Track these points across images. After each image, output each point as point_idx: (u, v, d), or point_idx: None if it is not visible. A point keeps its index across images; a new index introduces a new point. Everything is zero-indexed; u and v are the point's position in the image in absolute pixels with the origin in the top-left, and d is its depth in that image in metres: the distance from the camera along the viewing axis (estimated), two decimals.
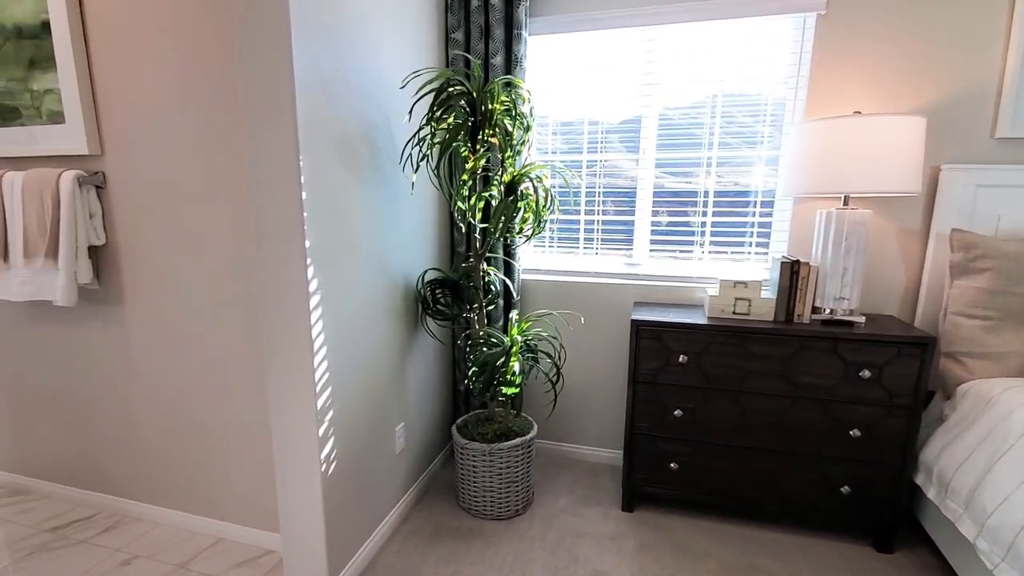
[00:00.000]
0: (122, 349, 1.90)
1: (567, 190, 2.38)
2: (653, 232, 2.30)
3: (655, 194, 2.27)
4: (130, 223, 1.79)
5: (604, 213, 2.35)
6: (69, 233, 1.71)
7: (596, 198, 2.35)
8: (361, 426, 1.73)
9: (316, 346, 1.48)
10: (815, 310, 1.90)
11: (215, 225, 1.69)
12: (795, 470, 1.86)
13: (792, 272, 1.83)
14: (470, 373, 1.91)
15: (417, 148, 1.91)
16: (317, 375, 1.49)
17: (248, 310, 1.72)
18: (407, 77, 1.85)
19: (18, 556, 1.78)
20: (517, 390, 1.89)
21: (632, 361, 1.93)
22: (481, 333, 1.99)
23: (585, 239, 2.40)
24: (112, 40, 1.67)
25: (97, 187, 1.79)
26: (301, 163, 1.38)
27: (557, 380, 1.92)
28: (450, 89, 1.67)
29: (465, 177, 1.84)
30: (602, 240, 2.38)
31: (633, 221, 2.31)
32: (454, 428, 2.08)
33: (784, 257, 1.88)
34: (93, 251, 1.84)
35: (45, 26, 1.68)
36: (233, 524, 1.89)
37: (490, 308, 2.25)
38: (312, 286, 1.44)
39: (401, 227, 1.92)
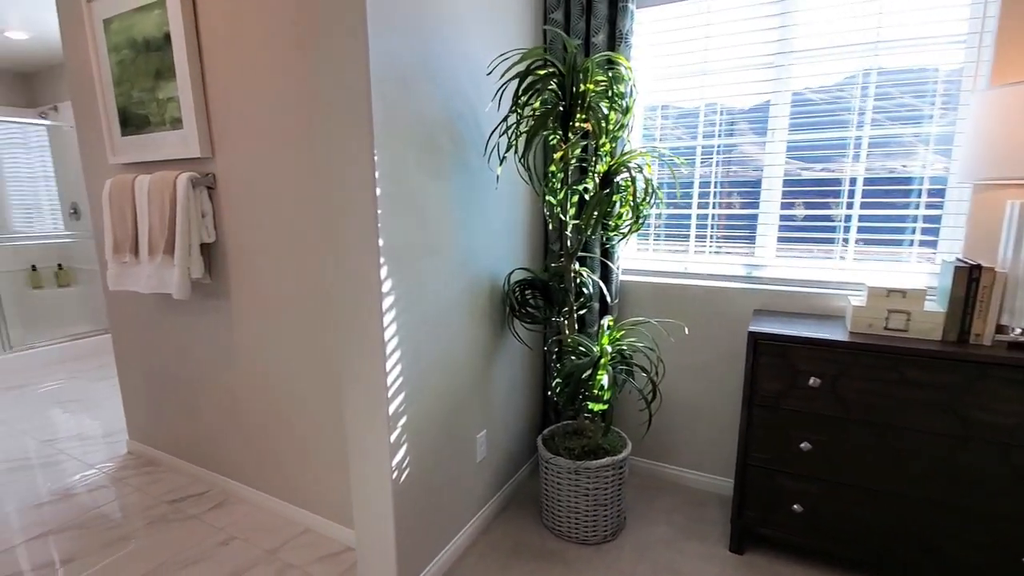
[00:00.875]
0: (227, 340, 2.01)
1: (677, 181, 2.11)
2: (782, 228, 1.95)
3: (785, 183, 1.92)
4: (235, 221, 1.87)
5: (721, 207, 2.05)
6: (183, 231, 1.83)
7: (711, 189, 2.05)
8: (438, 432, 1.65)
9: (389, 349, 1.41)
10: (1000, 329, 1.47)
11: (311, 222, 1.70)
12: (958, 528, 1.45)
13: (971, 279, 1.42)
14: (554, 384, 1.74)
15: (504, 137, 1.78)
16: (389, 379, 1.42)
17: None
18: (493, 61, 1.72)
19: (140, 525, 1.96)
20: (605, 407, 1.69)
21: (748, 380, 1.63)
22: (570, 340, 1.82)
23: (697, 236, 2.12)
24: (221, 50, 1.75)
25: (208, 188, 1.90)
26: (376, 158, 1.31)
27: (653, 398, 1.69)
28: (536, 70, 1.51)
29: (554, 168, 1.67)
30: (718, 237, 2.08)
31: (757, 215, 1.98)
32: (539, 440, 1.94)
33: (959, 260, 1.47)
34: (205, 248, 1.96)
35: (167, 38, 1.81)
36: (320, 517, 1.92)
37: (582, 312, 2.07)
38: (385, 286, 1.38)
39: (487, 224, 1.80)
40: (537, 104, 1.56)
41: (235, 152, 1.81)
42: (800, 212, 1.92)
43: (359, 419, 1.47)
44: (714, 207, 2.06)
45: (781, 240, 1.96)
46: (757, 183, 1.96)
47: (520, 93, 1.53)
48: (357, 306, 1.41)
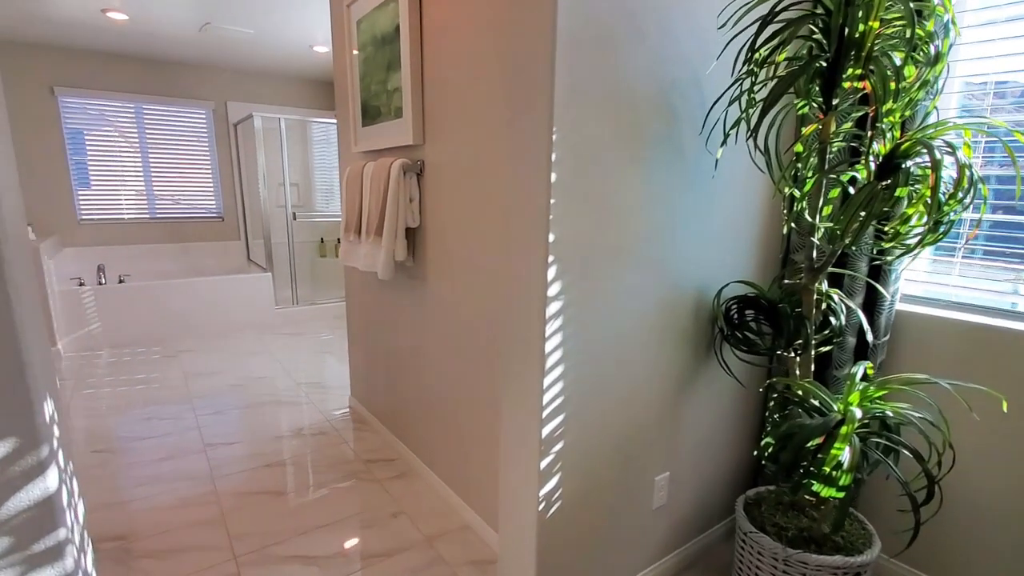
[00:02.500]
0: (421, 323, 2.07)
1: (1021, 173, 1.38)
2: None
3: None
4: (437, 208, 1.89)
5: None
6: (392, 214, 1.92)
7: None
8: (605, 466, 1.38)
9: (549, 363, 1.19)
10: None
11: (502, 215, 1.60)
12: None
13: None
14: (763, 442, 1.29)
15: (733, 108, 1.37)
16: (546, 397, 1.21)
17: None
18: (727, 7, 1.32)
19: (337, 476, 2.18)
20: (840, 494, 1.16)
21: None
22: (799, 386, 1.33)
23: None
24: (439, 40, 1.75)
25: (417, 174, 1.96)
26: (554, 137, 1.09)
27: (927, 499, 1.11)
28: (787, 7, 1.08)
29: (802, 149, 1.21)
30: None
31: None
32: (740, 503, 1.49)
33: None
34: (410, 232, 2.05)
35: (397, 30, 1.91)
36: (480, 517, 1.84)
37: (825, 349, 1.52)
38: (552, 290, 1.16)
39: (699, 222, 1.43)
40: (781, 58, 1.13)
41: (443, 140, 1.81)
42: None
43: (510, 436, 1.30)
44: None
45: None
46: None
47: (759, 43, 1.12)
48: (519, 309, 1.22)
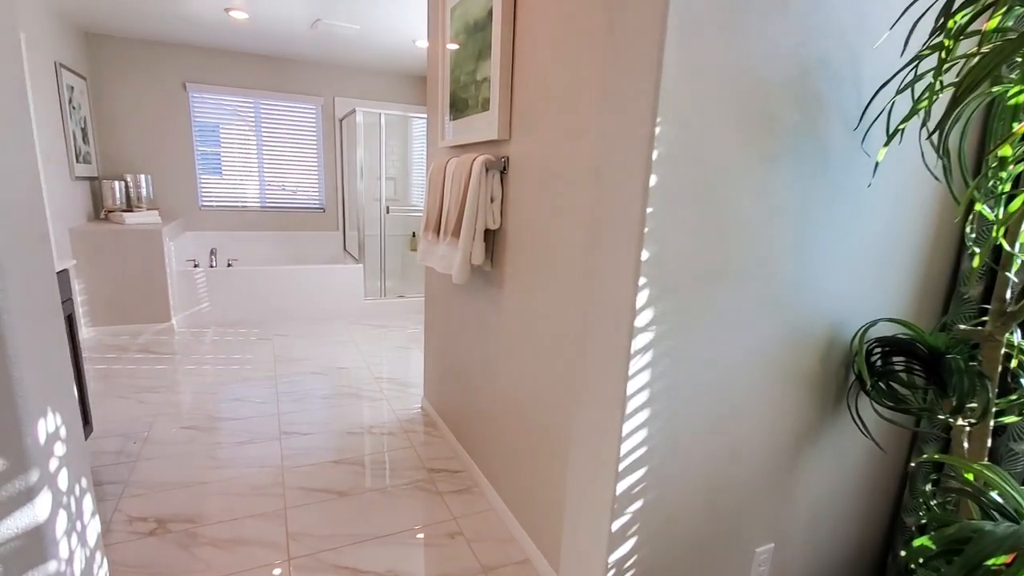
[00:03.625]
0: (494, 332, 1.92)
1: None
2: None
3: None
4: (518, 209, 1.73)
5: None
6: (470, 214, 1.78)
7: None
8: (692, 531, 1.13)
9: (631, 406, 0.97)
10: None
11: (587, 221, 1.40)
12: None
13: None
14: (917, 543, 0.97)
15: (903, 97, 1.06)
16: (626, 446, 0.99)
17: None
18: None
19: (400, 483, 2.10)
20: None
21: None
22: (972, 470, 0.99)
23: None
24: (533, 27, 1.58)
25: (501, 172, 1.81)
26: (657, 129, 0.87)
27: None
28: None
29: (1009, 152, 0.88)
30: None
31: None
32: None
33: None
34: (489, 235, 1.90)
35: (489, 15, 1.76)
36: (542, 554, 1.66)
37: (1011, 420, 1.15)
38: (642, 318, 0.94)
39: (841, 241, 1.13)
40: (992, 25, 0.82)
41: (530, 135, 1.63)
42: None
43: (578, 487, 1.09)
44: None
45: None
46: None
47: (954, 8, 0.82)
48: (600, 338, 1.01)
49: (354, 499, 1.98)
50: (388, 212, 4.81)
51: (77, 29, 3.89)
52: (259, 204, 4.88)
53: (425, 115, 4.73)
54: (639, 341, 0.95)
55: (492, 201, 1.83)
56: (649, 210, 0.90)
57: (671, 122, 0.89)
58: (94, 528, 0.86)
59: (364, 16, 3.53)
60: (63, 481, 0.68)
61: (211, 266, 4.23)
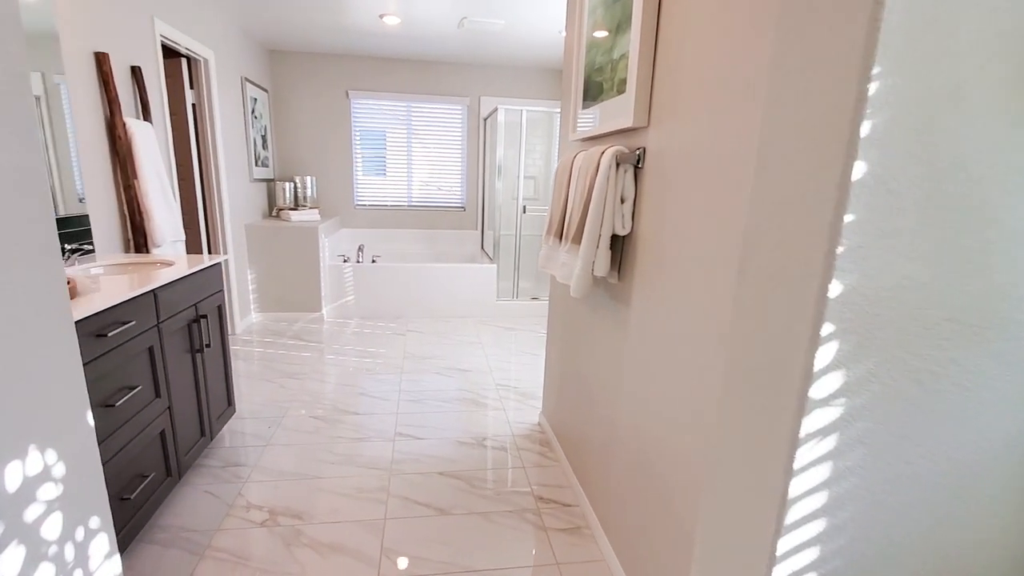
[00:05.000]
0: (619, 352, 1.63)
1: None
2: None
3: None
4: (655, 211, 1.41)
5: None
6: (594, 217, 1.51)
7: None
8: None
9: (793, 514, 0.64)
10: None
11: (756, 232, 1.05)
12: None
13: None
14: None
15: None
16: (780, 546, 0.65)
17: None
18: None
19: (504, 509, 1.91)
20: None
21: None
22: None
23: None
24: None
25: (635, 166, 1.51)
26: (872, 88, 0.53)
27: None
28: None
29: None
30: None
31: None
32: None
33: None
34: (616, 241, 1.61)
35: None
36: None
37: None
38: (824, 385, 0.60)
39: None
40: None
41: (674, 119, 1.31)
42: None
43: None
44: None
45: None
46: None
47: None
48: (753, 402, 0.69)
49: (454, 520, 1.84)
50: (524, 211, 4.70)
51: (262, 47, 4.42)
52: (406, 203, 5.12)
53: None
54: (816, 419, 0.61)
55: (623, 201, 1.53)
56: (848, 218, 0.56)
57: (894, 80, 0.53)
58: (110, 571, 0.79)
59: (508, 11, 3.43)
60: (52, 528, 0.59)
61: (358, 262, 4.52)
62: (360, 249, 4.81)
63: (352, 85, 4.76)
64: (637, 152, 1.47)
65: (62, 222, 1.94)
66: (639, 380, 1.48)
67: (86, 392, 0.68)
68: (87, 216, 2.09)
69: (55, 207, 1.93)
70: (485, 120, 5.04)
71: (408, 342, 3.76)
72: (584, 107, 1.89)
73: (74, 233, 2.00)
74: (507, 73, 5.00)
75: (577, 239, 1.60)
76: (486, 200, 5.17)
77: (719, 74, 1.08)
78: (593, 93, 1.80)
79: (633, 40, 1.45)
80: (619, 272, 1.64)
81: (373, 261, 4.70)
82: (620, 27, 1.56)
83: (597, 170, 1.52)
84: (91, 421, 0.70)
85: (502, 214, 4.53)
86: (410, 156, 5.04)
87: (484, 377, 3.17)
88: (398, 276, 4.29)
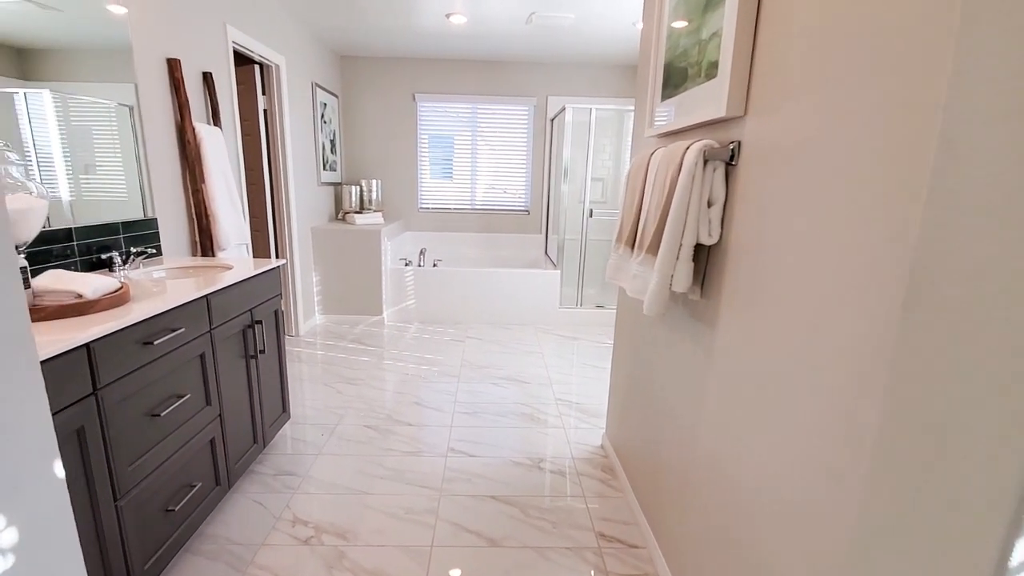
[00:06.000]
0: (700, 382, 1.39)
1: None
2: None
3: None
4: (753, 216, 1.18)
5: None
6: (674, 223, 1.30)
7: None
8: None
9: None
10: None
11: (897, 243, 0.81)
12: None
13: None
14: None
15: None
16: None
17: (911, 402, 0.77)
18: None
19: (560, 546, 1.72)
20: None
21: None
22: None
23: None
24: None
25: (727, 163, 1.27)
26: None
27: None
28: None
29: None
30: None
31: None
32: None
33: None
34: (701, 252, 1.38)
35: None
36: None
37: None
38: None
39: None
40: None
41: (786, 107, 1.08)
42: None
43: None
44: None
45: None
46: None
47: None
48: (943, 481, 0.47)
49: (505, 554, 1.68)
50: (591, 215, 4.47)
51: (333, 53, 4.48)
52: (470, 206, 5.04)
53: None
54: None
55: (710, 205, 1.30)
56: None
57: None
58: None
59: (579, 4, 3.24)
60: None
61: (419, 265, 4.48)
62: (422, 253, 4.78)
63: (419, 88, 4.74)
64: (731, 147, 1.24)
65: (128, 225, 1.97)
66: (727, 418, 1.24)
67: (53, 436, 0.58)
68: (152, 220, 2.11)
69: (128, 209, 1.96)
70: (552, 120, 4.86)
71: (466, 349, 3.65)
72: (664, 98, 1.67)
73: (139, 236, 2.03)
74: (575, 71, 4.80)
75: (653, 249, 1.39)
76: (551, 203, 4.99)
77: (854, 46, 0.84)
78: (675, 81, 1.58)
79: (728, 13, 1.22)
80: (702, 288, 1.40)
81: (434, 265, 4.65)
82: (709, 2, 1.34)
83: (680, 169, 1.30)
84: (60, 472, 0.60)
85: (567, 218, 4.33)
86: (474, 158, 4.95)
87: (543, 390, 2.99)
88: (459, 280, 4.20)
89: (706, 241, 1.32)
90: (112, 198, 1.93)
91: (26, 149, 1.58)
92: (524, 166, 5.01)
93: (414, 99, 4.75)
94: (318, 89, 4.03)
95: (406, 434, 2.42)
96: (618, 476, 2.14)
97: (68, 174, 1.73)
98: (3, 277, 0.52)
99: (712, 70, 1.32)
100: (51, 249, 1.64)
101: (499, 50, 4.36)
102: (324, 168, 4.24)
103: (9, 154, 1.35)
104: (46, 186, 1.64)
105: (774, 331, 1.06)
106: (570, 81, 4.81)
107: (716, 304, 1.32)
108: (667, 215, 1.32)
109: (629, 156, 4.95)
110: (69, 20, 1.72)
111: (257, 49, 3.05)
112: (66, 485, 0.59)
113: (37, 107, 1.62)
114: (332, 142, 4.45)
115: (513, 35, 3.93)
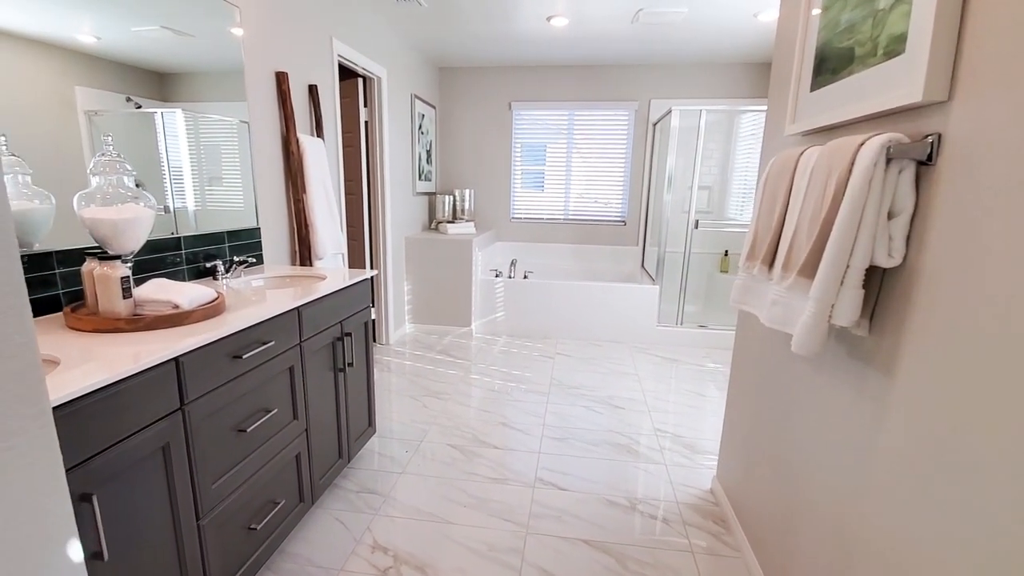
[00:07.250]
0: (864, 443, 1.09)
1: None
2: None
3: None
4: (958, 232, 0.88)
5: None
6: (840, 239, 1.02)
7: None
8: None
9: None
10: None
11: None
12: None
13: None
14: None
15: None
16: None
17: None
18: None
19: None
20: None
21: None
22: None
23: None
24: None
25: (920, 163, 0.98)
26: None
27: None
28: None
29: None
30: None
31: None
32: None
33: None
34: (874, 276, 1.08)
35: None
36: None
37: None
38: None
39: None
40: None
41: (998, 95, 0.78)
42: None
43: None
44: None
45: None
46: None
47: None
48: None
49: None
50: (697, 227, 4.10)
51: (432, 65, 4.52)
52: (563, 216, 4.86)
53: (757, 107, 3.84)
54: None
55: (891, 217, 1.01)
56: None
57: None
58: None
59: None
60: None
61: (509, 277, 4.36)
62: (512, 264, 4.66)
63: (515, 96, 4.65)
64: (929, 141, 0.94)
65: (233, 235, 2.01)
66: (911, 498, 0.93)
67: (71, 511, 0.47)
68: (256, 229, 2.15)
69: (243, 218, 2.01)
70: (655, 125, 4.56)
71: (556, 366, 3.45)
72: (815, 88, 1.38)
73: (243, 246, 2.07)
74: (682, 71, 4.46)
75: (807, 271, 1.11)
76: (650, 213, 4.67)
77: None
78: (833, 66, 1.28)
79: None
80: (871, 321, 1.10)
81: (525, 277, 4.51)
82: None
83: (850, 170, 1.02)
84: (78, 555, 0.49)
85: (669, 229, 4.00)
86: (569, 167, 4.77)
87: (640, 418, 2.71)
88: (550, 293, 4.02)
89: (884, 263, 1.02)
90: (230, 208, 2.02)
91: (161, 163, 1.69)
92: (621, 174, 4.74)
93: (510, 108, 4.67)
94: (417, 100, 4.07)
95: (491, 458, 2.27)
96: (733, 531, 1.83)
97: (195, 186, 1.83)
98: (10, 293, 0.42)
99: (896, 45, 1.03)
100: (164, 257, 1.69)
101: (599, 53, 4.16)
102: (420, 178, 4.26)
103: (125, 166, 1.38)
104: (176, 197, 1.74)
105: (994, 387, 0.75)
106: (675, 83, 4.48)
107: (895, 344, 1.02)
108: (830, 229, 1.05)
109: (738, 163, 4.51)
110: (199, 44, 1.81)
111: (360, 62, 3.10)
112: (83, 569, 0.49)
113: (171, 125, 1.74)
114: (428, 152, 4.48)
115: (615, 36, 3.71)
